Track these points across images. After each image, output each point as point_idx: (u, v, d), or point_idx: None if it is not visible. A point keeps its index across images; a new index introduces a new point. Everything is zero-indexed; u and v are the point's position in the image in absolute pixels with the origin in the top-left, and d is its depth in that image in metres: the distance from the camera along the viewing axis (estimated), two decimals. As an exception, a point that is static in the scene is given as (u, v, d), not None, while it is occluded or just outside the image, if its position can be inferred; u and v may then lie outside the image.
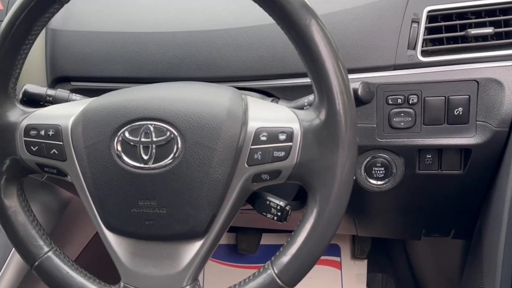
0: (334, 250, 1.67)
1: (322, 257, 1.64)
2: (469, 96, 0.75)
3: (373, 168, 0.83)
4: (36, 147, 0.66)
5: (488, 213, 0.84)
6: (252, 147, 0.61)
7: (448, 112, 0.76)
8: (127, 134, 0.62)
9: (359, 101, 0.68)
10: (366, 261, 1.60)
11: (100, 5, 0.91)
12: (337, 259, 1.65)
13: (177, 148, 0.61)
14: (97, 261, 0.77)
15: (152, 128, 0.62)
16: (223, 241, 1.68)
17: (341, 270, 1.63)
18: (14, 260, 0.95)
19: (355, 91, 0.67)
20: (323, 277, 1.62)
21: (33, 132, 0.66)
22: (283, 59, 0.79)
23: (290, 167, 0.61)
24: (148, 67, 0.84)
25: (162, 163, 0.62)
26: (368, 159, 0.83)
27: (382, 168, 0.83)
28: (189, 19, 0.84)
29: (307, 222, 0.61)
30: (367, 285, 1.58)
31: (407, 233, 1.19)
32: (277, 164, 0.61)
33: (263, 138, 0.61)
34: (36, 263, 0.68)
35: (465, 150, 0.79)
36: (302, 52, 0.58)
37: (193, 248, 0.65)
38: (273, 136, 0.61)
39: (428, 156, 0.82)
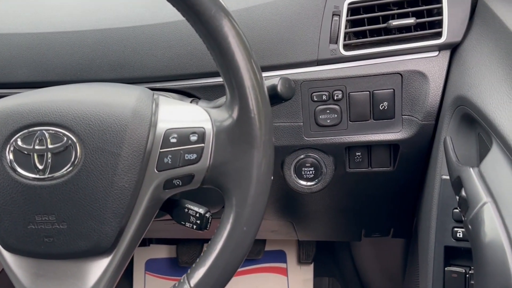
0: (279, 256, 1.63)
1: (268, 264, 1.62)
2: (394, 90, 0.73)
3: (303, 169, 0.80)
4: None
5: (421, 210, 0.83)
6: (161, 150, 0.56)
7: (373, 107, 0.74)
8: (19, 142, 0.56)
9: (280, 98, 0.64)
10: (312, 265, 1.58)
11: (3, 5, 0.83)
12: (283, 265, 1.61)
13: (76, 155, 0.55)
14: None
15: (47, 134, 0.56)
16: (163, 254, 1.61)
17: (287, 276, 1.59)
18: None
19: (274, 87, 0.63)
20: (269, 285, 1.58)
21: None
22: (202, 56, 0.74)
23: (203, 171, 0.56)
24: (56, 70, 0.77)
25: (60, 172, 0.56)
26: (297, 160, 0.80)
27: (312, 168, 0.79)
28: (99, 16, 0.77)
29: (223, 229, 0.56)
30: (314, 290, 1.55)
31: (347, 234, 1.17)
32: (189, 167, 0.56)
33: (173, 140, 0.56)
34: None
35: (393, 146, 0.77)
36: (210, 45, 0.54)
37: (101, 266, 0.58)
38: (183, 138, 0.56)
39: (357, 154, 0.79)
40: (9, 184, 0.56)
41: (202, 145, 0.55)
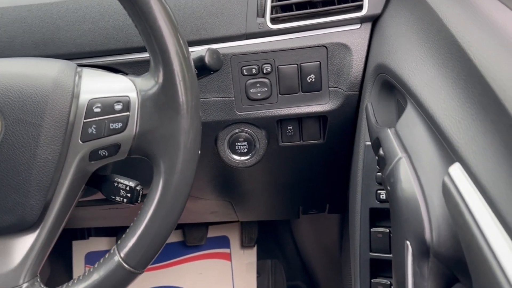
0: (223, 242, 1.64)
1: (212, 251, 1.62)
2: (320, 62, 0.75)
3: (236, 144, 0.81)
4: None
5: (350, 179, 0.85)
6: (85, 120, 0.55)
7: (301, 80, 0.76)
8: None
9: (208, 69, 0.64)
10: (255, 248, 1.60)
11: None
12: (227, 250, 1.62)
13: None
14: None
15: None
16: (103, 246, 1.57)
17: (231, 261, 1.60)
18: None
19: (202, 58, 0.64)
20: (213, 271, 1.59)
21: None
22: (128, 31, 0.73)
23: (129, 140, 0.56)
24: (-26, 47, 0.73)
25: None
26: (230, 135, 0.81)
27: (245, 143, 0.81)
28: (20, -8, 0.75)
29: (153, 198, 0.56)
30: (257, 272, 1.57)
31: (285, 212, 1.19)
32: (114, 137, 0.55)
33: (97, 110, 0.55)
34: None
35: (322, 118, 0.80)
36: (132, 12, 0.53)
37: (27, 241, 0.57)
38: (108, 107, 0.55)
39: (289, 127, 0.81)
40: None
41: (127, 113, 0.55)
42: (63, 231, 0.60)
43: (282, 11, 0.76)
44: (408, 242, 0.48)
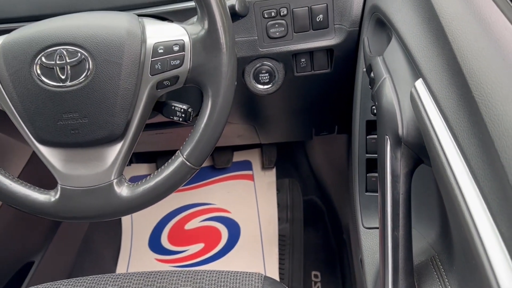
0: (246, 165, 1.87)
1: (237, 173, 1.86)
2: (327, 4, 0.92)
3: (260, 75, 1.00)
4: None
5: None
6: (152, 59, 0.75)
7: (312, 20, 0.93)
8: (44, 59, 0.73)
9: (238, 15, 0.83)
10: (274, 169, 1.83)
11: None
12: (250, 172, 1.85)
13: (89, 66, 0.73)
14: (39, 171, 0.91)
15: (65, 52, 0.73)
16: (144, 171, 1.81)
17: (253, 181, 1.84)
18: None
19: (233, 7, 0.82)
20: (239, 190, 1.83)
21: None
22: (171, -13, 0.91)
23: (185, 72, 0.75)
24: (49, 3, 0.92)
25: (78, 80, 0.74)
26: (255, 68, 1.00)
27: (267, 74, 1.00)
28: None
29: (204, 114, 0.76)
30: (277, 189, 1.81)
31: (300, 134, 1.40)
32: (174, 71, 0.75)
33: (161, 51, 0.75)
34: None
35: (329, 51, 0.98)
36: None
37: (115, 149, 0.78)
38: (168, 49, 0.75)
39: (302, 60, 1.00)
40: (39, 92, 0.74)
41: (183, 53, 0.74)
42: None
43: (294, -37, 0.92)
44: (387, 136, 0.68)
